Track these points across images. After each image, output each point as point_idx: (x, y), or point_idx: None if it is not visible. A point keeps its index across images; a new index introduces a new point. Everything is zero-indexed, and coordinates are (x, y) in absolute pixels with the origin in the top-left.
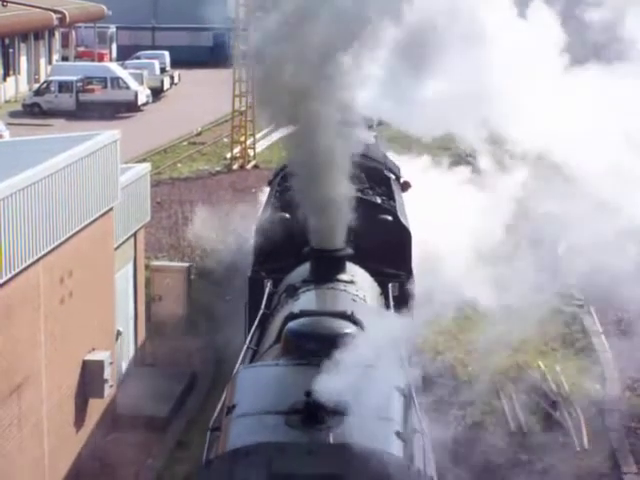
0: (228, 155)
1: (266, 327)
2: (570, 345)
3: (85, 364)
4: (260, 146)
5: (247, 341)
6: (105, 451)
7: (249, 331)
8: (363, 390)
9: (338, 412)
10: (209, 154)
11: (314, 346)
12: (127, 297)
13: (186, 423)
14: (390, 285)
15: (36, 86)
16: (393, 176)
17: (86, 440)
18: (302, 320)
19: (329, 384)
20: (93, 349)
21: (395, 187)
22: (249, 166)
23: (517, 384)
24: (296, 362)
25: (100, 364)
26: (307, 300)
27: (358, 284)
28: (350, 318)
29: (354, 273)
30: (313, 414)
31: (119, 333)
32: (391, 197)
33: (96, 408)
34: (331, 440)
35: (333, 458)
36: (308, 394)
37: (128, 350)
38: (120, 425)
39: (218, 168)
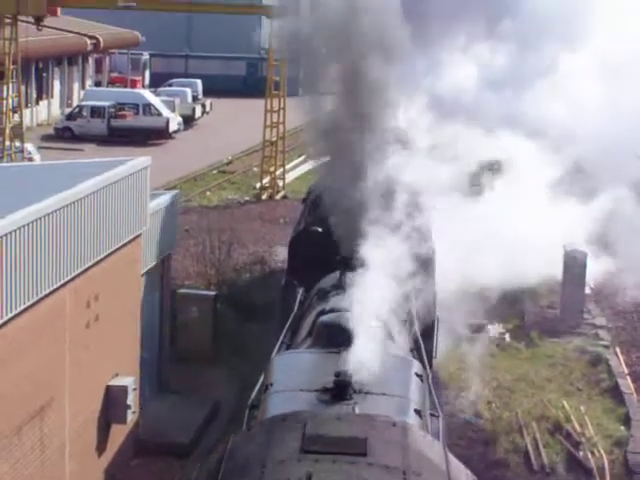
0: (257, 185)
1: (299, 325)
2: (595, 385)
3: (109, 389)
4: (290, 177)
5: (281, 337)
6: (127, 477)
7: (282, 330)
8: (386, 374)
9: (363, 391)
10: (238, 183)
11: (343, 337)
12: (153, 323)
13: (208, 450)
14: (413, 298)
15: (68, 110)
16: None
17: (108, 465)
18: (332, 314)
19: (356, 367)
20: (117, 374)
21: (422, 208)
22: (278, 196)
23: (541, 423)
24: (327, 350)
25: (124, 389)
26: (336, 301)
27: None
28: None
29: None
30: (342, 392)
31: (144, 359)
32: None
33: (119, 433)
34: (357, 411)
35: (359, 424)
36: (337, 375)
37: (152, 376)
38: (142, 451)
39: (247, 197)
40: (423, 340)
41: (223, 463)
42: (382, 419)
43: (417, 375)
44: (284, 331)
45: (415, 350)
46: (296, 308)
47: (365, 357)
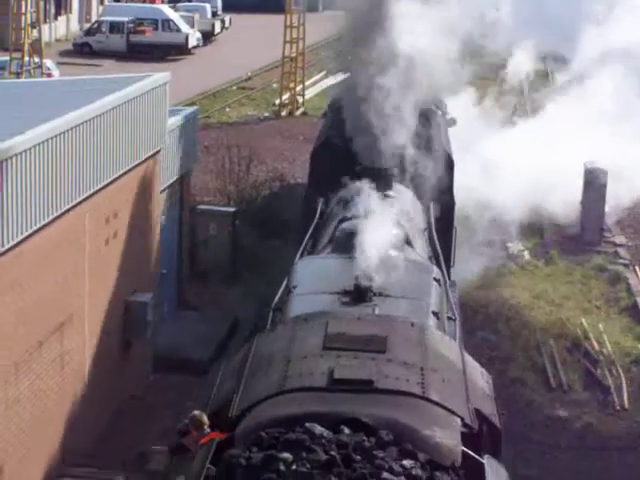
0: (277, 101)
1: (320, 233)
2: (614, 304)
3: (128, 305)
4: (309, 93)
5: (303, 243)
6: (145, 393)
7: (303, 239)
8: (405, 278)
9: (383, 294)
10: (258, 99)
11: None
12: (172, 240)
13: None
14: (432, 204)
15: (87, 26)
16: (440, 112)
17: (126, 381)
18: (353, 221)
19: (376, 271)
20: (136, 291)
21: (442, 122)
22: (297, 113)
23: (559, 341)
24: (348, 255)
25: (143, 305)
26: (357, 209)
27: (402, 200)
28: (397, 222)
29: (399, 191)
30: (362, 294)
31: (163, 275)
32: (438, 130)
33: (138, 349)
34: (377, 312)
35: (379, 324)
36: (358, 278)
37: (171, 293)
38: (161, 367)
39: (266, 114)
40: (441, 249)
41: (249, 359)
42: (401, 319)
43: (435, 280)
44: (306, 238)
45: (433, 257)
46: (317, 217)
47: (384, 262)
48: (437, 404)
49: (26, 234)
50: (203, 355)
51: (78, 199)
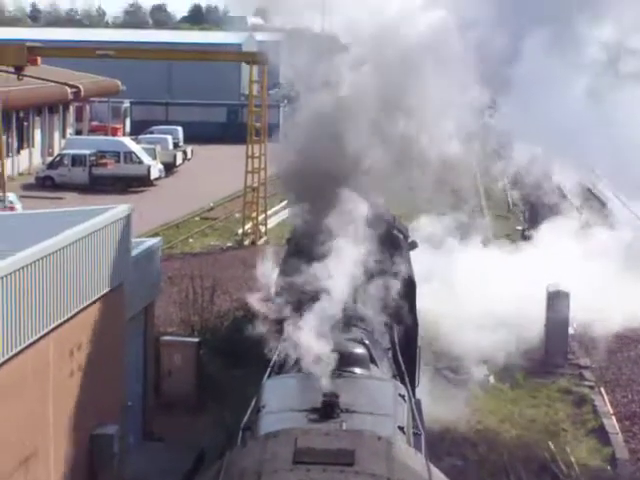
0: (240, 231)
1: (287, 354)
2: (581, 426)
3: (94, 438)
4: (271, 222)
5: (270, 364)
6: None
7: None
8: (371, 395)
9: (350, 410)
10: (221, 229)
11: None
12: (137, 371)
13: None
14: (395, 328)
15: (49, 159)
16: (401, 235)
17: None
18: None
19: (343, 389)
20: (102, 423)
21: (403, 245)
22: (260, 242)
23: (527, 464)
24: (315, 374)
25: (109, 438)
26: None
27: (366, 320)
28: (361, 342)
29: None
30: (329, 411)
31: (128, 407)
32: (399, 253)
33: None
34: (344, 428)
35: (346, 438)
36: (325, 395)
37: (136, 424)
38: None
39: (229, 244)
40: (406, 368)
41: (221, 475)
42: (368, 433)
43: (400, 396)
44: (274, 359)
45: (398, 376)
46: (283, 339)
47: (350, 379)
48: None
49: None
50: None
51: (42, 332)
